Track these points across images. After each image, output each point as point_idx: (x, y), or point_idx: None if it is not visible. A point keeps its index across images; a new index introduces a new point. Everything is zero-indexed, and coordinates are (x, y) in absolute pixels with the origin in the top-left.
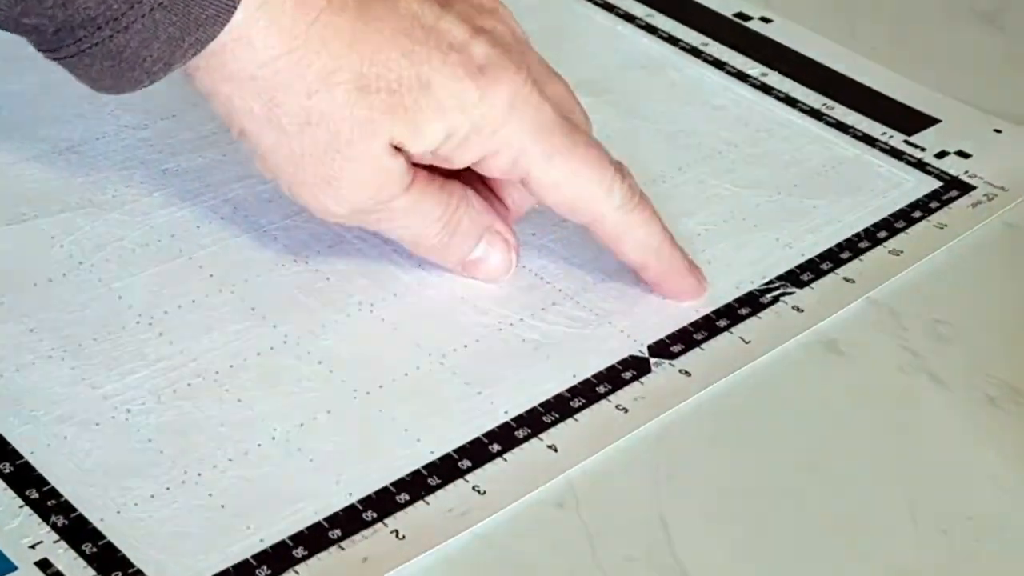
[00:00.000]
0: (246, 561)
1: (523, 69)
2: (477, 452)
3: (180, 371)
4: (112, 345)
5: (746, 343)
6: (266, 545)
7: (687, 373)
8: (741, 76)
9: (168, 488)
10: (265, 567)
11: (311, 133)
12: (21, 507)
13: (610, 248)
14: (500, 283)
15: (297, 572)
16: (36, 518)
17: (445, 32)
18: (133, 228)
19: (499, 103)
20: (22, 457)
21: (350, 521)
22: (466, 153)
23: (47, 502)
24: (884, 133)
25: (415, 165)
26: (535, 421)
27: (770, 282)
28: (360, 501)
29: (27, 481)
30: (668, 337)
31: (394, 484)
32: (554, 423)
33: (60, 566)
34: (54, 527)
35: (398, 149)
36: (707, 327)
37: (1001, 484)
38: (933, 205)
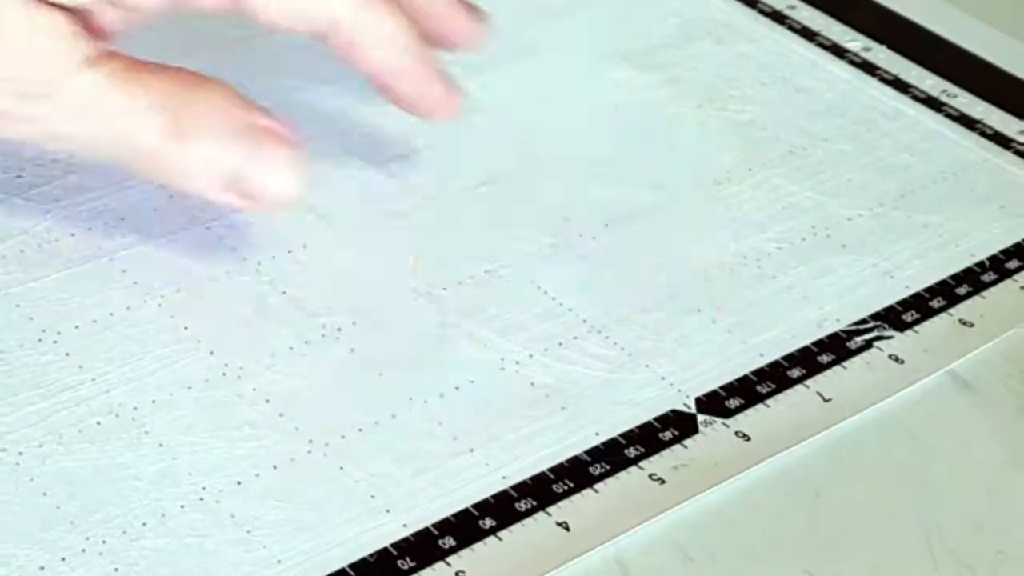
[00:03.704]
0: None
1: None
2: (464, 528)
3: (88, 405)
4: (4, 368)
5: (826, 401)
6: None
7: (746, 437)
8: (837, 50)
9: (64, 559)
10: None
11: None
12: None
13: (350, 61)
14: (509, 312)
15: None
16: None
17: None
18: (38, 218)
19: None
20: None
21: None
22: None
23: None
24: (1023, 131)
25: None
26: (542, 491)
27: (862, 321)
28: None
29: None
30: (723, 388)
31: (354, 566)
32: (567, 494)
33: None
34: None
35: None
36: (775, 377)
37: None
38: None
